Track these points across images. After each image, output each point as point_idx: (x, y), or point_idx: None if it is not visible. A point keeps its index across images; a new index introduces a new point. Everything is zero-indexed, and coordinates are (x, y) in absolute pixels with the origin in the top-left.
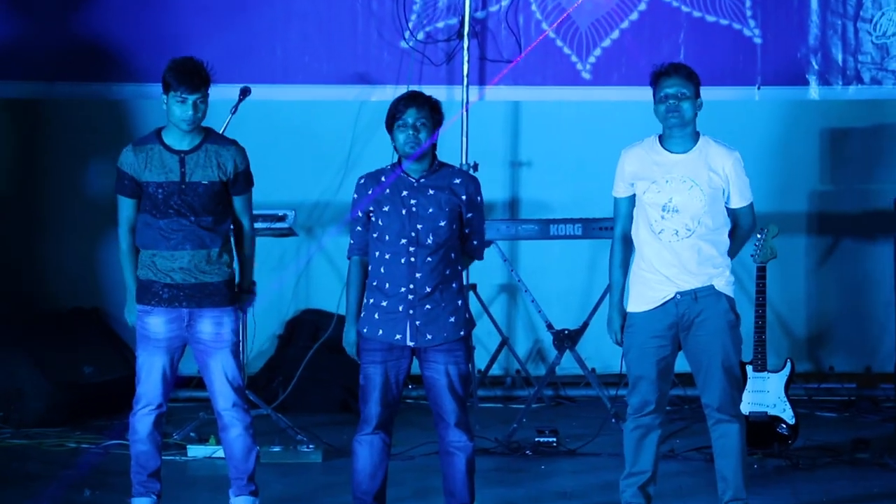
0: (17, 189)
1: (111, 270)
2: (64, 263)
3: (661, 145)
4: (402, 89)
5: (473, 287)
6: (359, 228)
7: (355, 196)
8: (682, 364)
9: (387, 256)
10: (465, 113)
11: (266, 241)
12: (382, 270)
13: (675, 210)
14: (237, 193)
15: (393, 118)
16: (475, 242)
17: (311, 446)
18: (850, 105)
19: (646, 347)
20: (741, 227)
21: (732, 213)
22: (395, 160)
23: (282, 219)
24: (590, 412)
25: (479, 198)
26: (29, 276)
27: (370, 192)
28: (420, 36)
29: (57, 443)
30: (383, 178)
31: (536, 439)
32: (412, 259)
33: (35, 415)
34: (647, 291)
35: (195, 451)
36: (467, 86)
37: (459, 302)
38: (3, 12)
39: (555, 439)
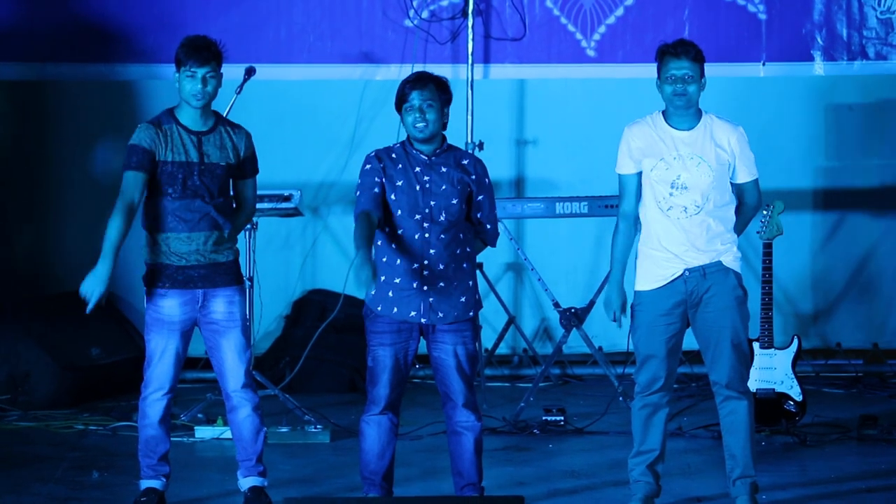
0: (22, 171)
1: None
2: (69, 245)
3: (666, 122)
4: (406, 68)
5: (480, 266)
6: (364, 194)
7: (368, 167)
8: (689, 342)
9: (399, 231)
10: (469, 91)
11: (272, 222)
12: (395, 246)
13: (684, 187)
14: (245, 176)
15: (401, 101)
16: (488, 227)
17: (318, 427)
18: (854, 80)
19: (655, 325)
20: (747, 203)
21: (738, 189)
22: (405, 138)
23: (287, 199)
24: (597, 391)
25: (486, 180)
26: (35, 257)
27: (382, 164)
28: (424, 14)
29: (64, 424)
30: (394, 155)
31: (544, 418)
32: (426, 235)
33: (42, 397)
34: (655, 269)
35: (203, 432)
36: (472, 64)
37: (470, 282)
38: None
39: (562, 418)
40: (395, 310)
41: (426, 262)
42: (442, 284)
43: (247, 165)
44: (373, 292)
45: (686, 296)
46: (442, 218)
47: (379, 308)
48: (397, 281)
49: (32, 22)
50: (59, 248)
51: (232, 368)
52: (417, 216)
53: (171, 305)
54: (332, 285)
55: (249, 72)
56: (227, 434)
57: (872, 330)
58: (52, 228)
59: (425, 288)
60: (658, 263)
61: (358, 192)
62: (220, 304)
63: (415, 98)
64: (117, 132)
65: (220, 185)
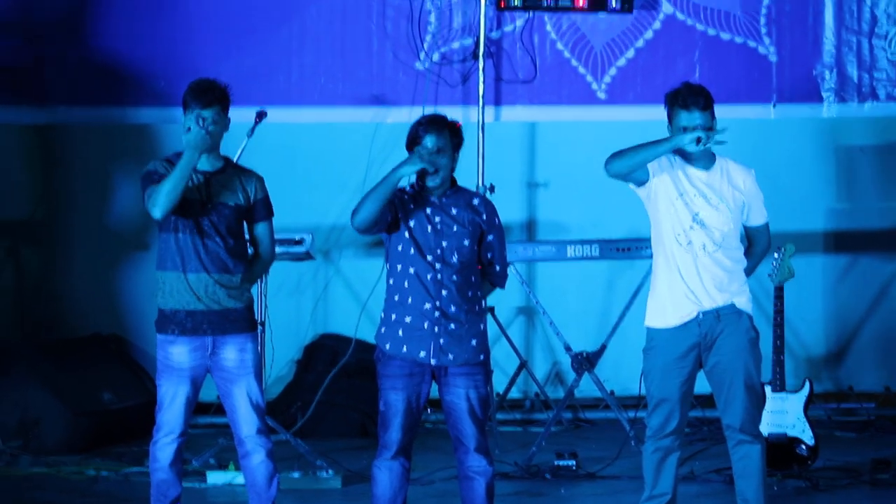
0: (35, 215)
1: (129, 297)
2: (81, 289)
3: (685, 161)
4: (417, 110)
5: (491, 310)
6: None
7: None
8: (701, 385)
9: (411, 270)
10: (480, 134)
11: (283, 266)
12: (406, 285)
13: (703, 224)
14: (259, 220)
15: (413, 143)
16: (497, 268)
17: (330, 472)
18: (865, 122)
19: (669, 369)
20: (758, 245)
21: (749, 232)
22: (414, 180)
23: (299, 242)
24: (609, 434)
25: (496, 219)
26: (47, 302)
27: (402, 194)
28: (435, 57)
29: (76, 470)
30: (406, 197)
31: (556, 462)
32: (438, 276)
33: (54, 442)
34: (670, 305)
35: (214, 477)
36: (483, 106)
37: (481, 326)
38: (19, 38)
39: (574, 462)
40: (405, 349)
41: (438, 303)
42: (453, 327)
43: (259, 208)
44: (382, 329)
45: (700, 338)
46: (454, 259)
47: (388, 346)
48: (408, 320)
49: (45, 66)
50: (69, 293)
51: (244, 415)
52: (429, 257)
53: (179, 352)
54: (344, 330)
55: (260, 115)
56: (239, 479)
57: (884, 373)
58: (65, 272)
59: (436, 329)
60: (675, 299)
61: None
62: (231, 352)
63: (428, 141)
64: (128, 175)
65: (229, 227)
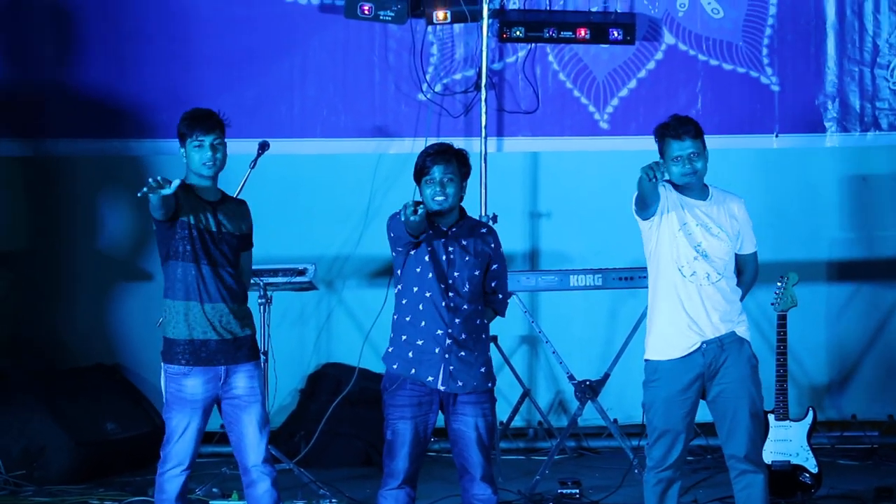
0: (35, 246)
1: (130, 326)
2: (83, 320)
3: (681, 193)
4: (420, 142)
5: (495, 339)
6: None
7: (391, 223)
8: (704, 414)
9: (427, 294)
10: (483, 164)
11: (287, 296)
12: (421, 308)
13: (705, 254)
14: (248, 248)
15: (421, 172)
16: (500, 296)
17: (334, 501)
18: (868, 151)
19: (673, 401)
20: (748, 273)
21: (739, 260)
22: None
23: (302, 272)
24: (612, 463)
25: (500, 249)
26: (46, 332)
27: None
28: (438, 88)
29: (80, 500)
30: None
31: (559, 491)
32: (451, 304)
33: (58, 472)
34: (674, 337)
35: None
36: (485, 137)
37: (488, 353)
38: (19, 70)
39: (578, 491)
40: (413, 371)
41: (451, 330)
42: (463, 354)
43: (251, 237)
44: (391, 349)
45: (704, 368)
46: (465, 289)
47: (395, 366)
48: (420, 343)
49: (44, 98)
50: (71, 323)
51: (252, 443)
52: (442, 285)
53: (194, 385)
54: (347, 359)
55: (263, 146)
56: None
57: (888, 401)
58: (64, 302)
59: (447, 355)
60: (678, 331)
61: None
62: (242, 380)
63: (436, 172)
64: (131, 207)
65: (234, 256)
